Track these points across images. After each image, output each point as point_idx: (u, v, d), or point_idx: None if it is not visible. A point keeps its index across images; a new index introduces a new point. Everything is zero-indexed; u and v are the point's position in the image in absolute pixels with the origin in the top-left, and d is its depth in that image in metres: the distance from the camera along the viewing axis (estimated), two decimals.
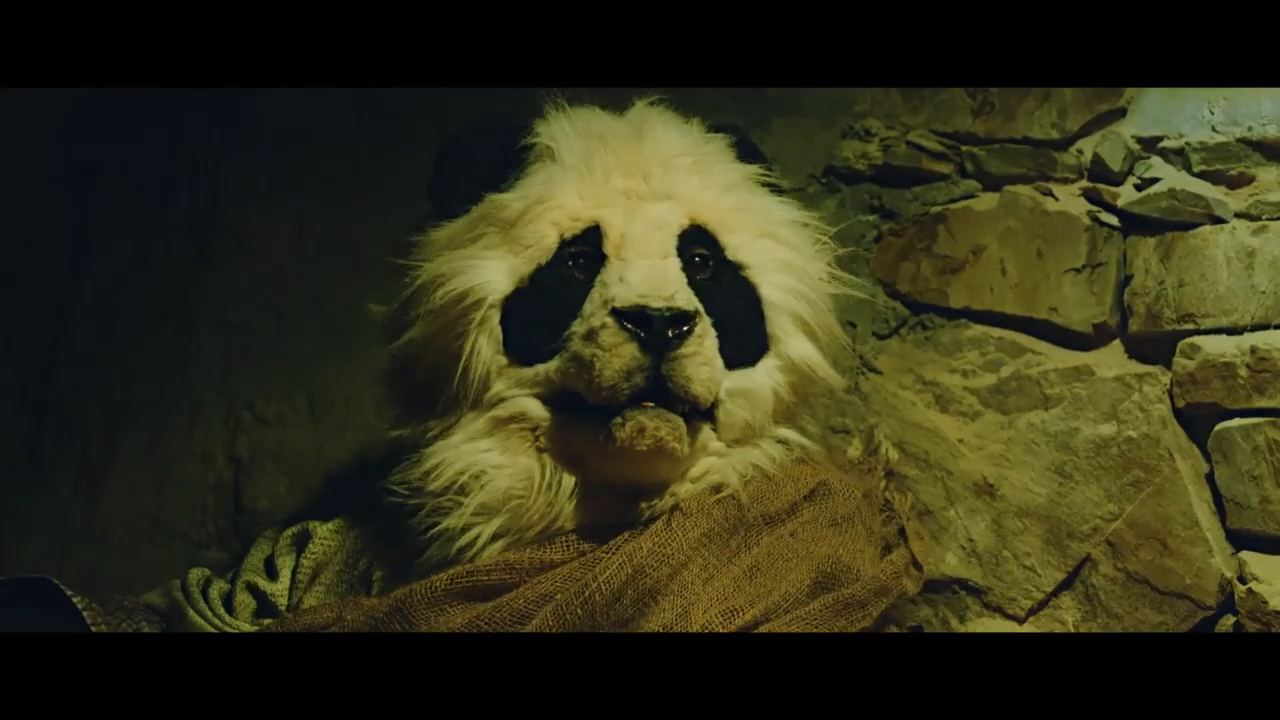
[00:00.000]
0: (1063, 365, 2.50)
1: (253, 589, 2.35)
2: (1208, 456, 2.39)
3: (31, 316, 3.17)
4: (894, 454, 2.45)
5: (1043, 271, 2.52)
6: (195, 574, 2.40)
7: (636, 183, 2.20)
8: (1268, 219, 2.38)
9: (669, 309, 2.06)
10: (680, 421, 2.08)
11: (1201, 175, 2.44)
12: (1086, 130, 2.53)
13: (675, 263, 2.15)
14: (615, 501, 2.13)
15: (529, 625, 2.02)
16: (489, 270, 2.19)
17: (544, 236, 2.19)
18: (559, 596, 2.04)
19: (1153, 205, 2.45)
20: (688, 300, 2.08)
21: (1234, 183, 2.42)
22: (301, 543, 2.38)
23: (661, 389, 2.07)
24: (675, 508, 2.12)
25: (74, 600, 2.23)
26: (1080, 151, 2.53)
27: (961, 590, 2.52)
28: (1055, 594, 2.47)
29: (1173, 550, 2.38)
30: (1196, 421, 2.40)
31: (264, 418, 2.99)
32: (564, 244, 2.18)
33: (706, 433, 2.16)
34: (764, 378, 2.20)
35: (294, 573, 2.35)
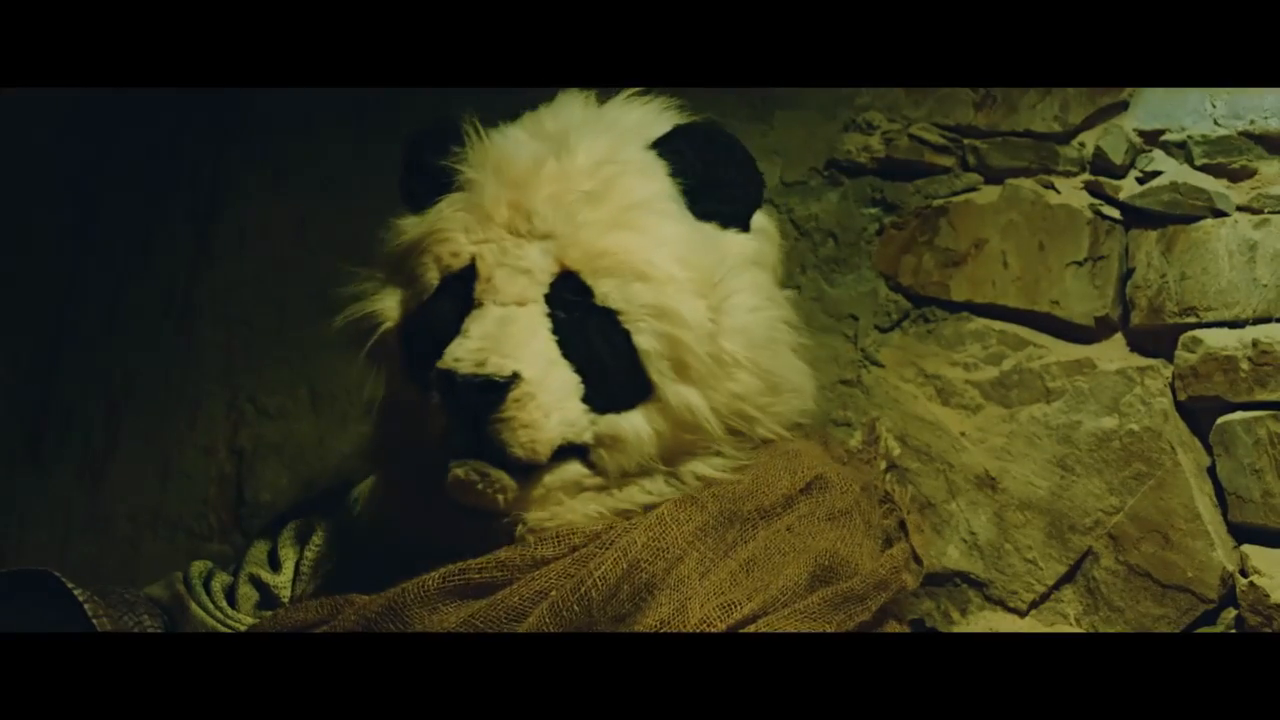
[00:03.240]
0: (1064, 358, 2.49)
1: (255, 581, 2.35)
2: (1209, 450, 2.39)
3: (34, 309, 3.18)
4: (895, 446, 2.45)
5: (1044, 265, 2.52)
6: (197, 566, 2.40)
7: (521, 219, 2.14)
8: (1270, 212, 2.37)
9: (477, 376, 2.04)
10: (500, 475, 2.08)
11: (1203, 169, 2.43)
12: (1088, 124, 2.53)
13: (533, 310, 2.11)
14: (480, 525, 2.13)
15: (525, 622, 2.02)
16: (386, 298, 2.22)
17: (428, 270, 2.18)
18: (554, 593, 2.03)
19: (1155, 198, 2.44)
20: (498, 366, 2.05)
21: (1236, 176, 2.42)
22: (305, 535, 2.38)
23: (483, 447, 2.07)
24: (668, 500, 2.13)
25: (75, 593, 2.23)
26: (1082, 145, 2.53)
27: (963, 583, 2.53)
28: (1057, 587, 2.47)
29: (1174, 543, 2.38)
30: (1198, 415, 2.40)
31: (266, 410, 3.00)
32: (445, 280, 2.17)
33: (574, 470, 2.13)
34: (640, 423, 2.13)
35: (297, 565, 2.35)
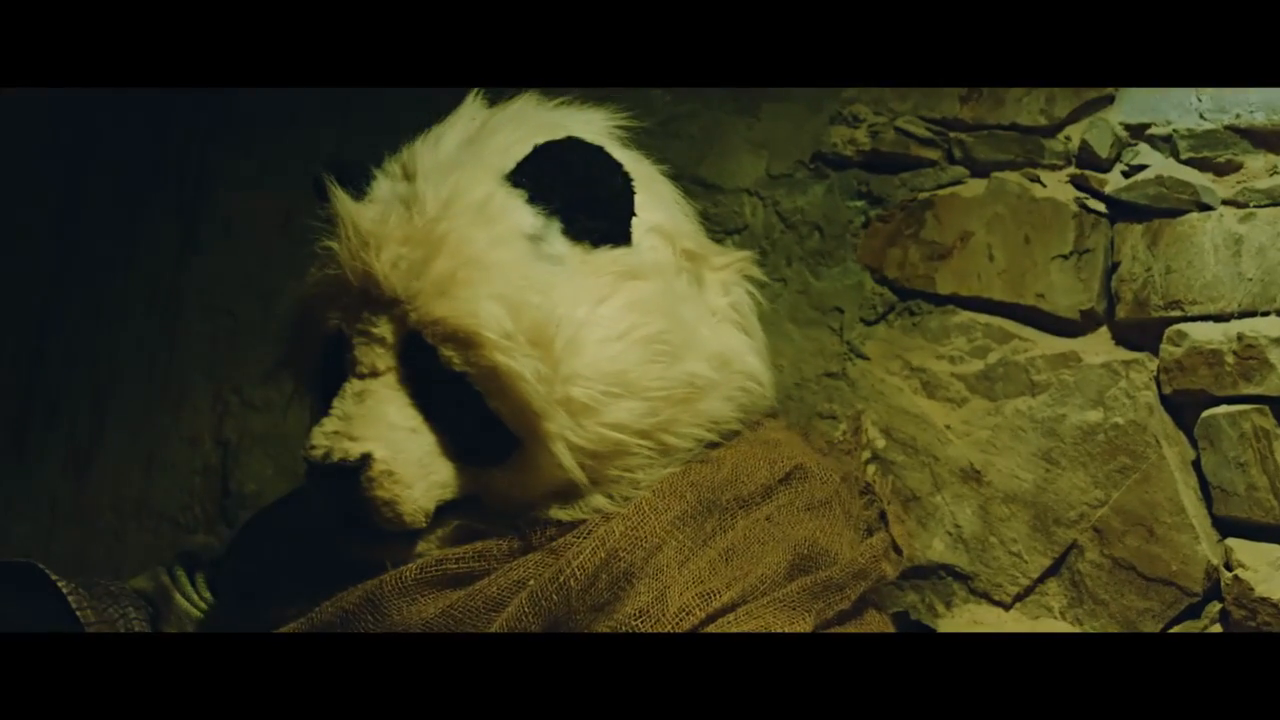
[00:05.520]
0: (1050, 352, 2.50)
1: None
2: (1194, 443, 2.39)
3: (19, 300, 3.18)
4: (878, 439, 2.45)
5: (1030, 258, 2.52)
6: (180, 563, 2.40)
7: (372, 286, 2.09)
8: (1255, 206, 2.37)
9: (328, 464, 2.03)
10: (380, 548, 2.08)
11: (1189, 162, 2.43)
12: (1074, 117, 2.53)
13: (389, 380, 2.08)
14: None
15: (504, 612, 2.02)
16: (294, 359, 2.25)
17: (310, 338, 2.17)
18: (532, 583, 2.02)
19: (1140, 192, 2.45)
20: (346, 451, 2.03)
21: (1221, 170, 2.42)
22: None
23: (357, 525, 2.07)
24: (647, 490, 2.11)
25: (59, 584, 2.23)
26: (1068, 138, 2.53)
27: (948, 576, 2.53)
28: (1041, 580, 2.48)
29: (1159, 537, 2.39)
30: (1183, 408, 2.40)
31: (251, 402, 3.00)
32: (324, 349, 2.15)
33: (458, 524, 2.12)
34: (515, 474, 2.10)
35: None
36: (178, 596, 2.31)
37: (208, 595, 2.32)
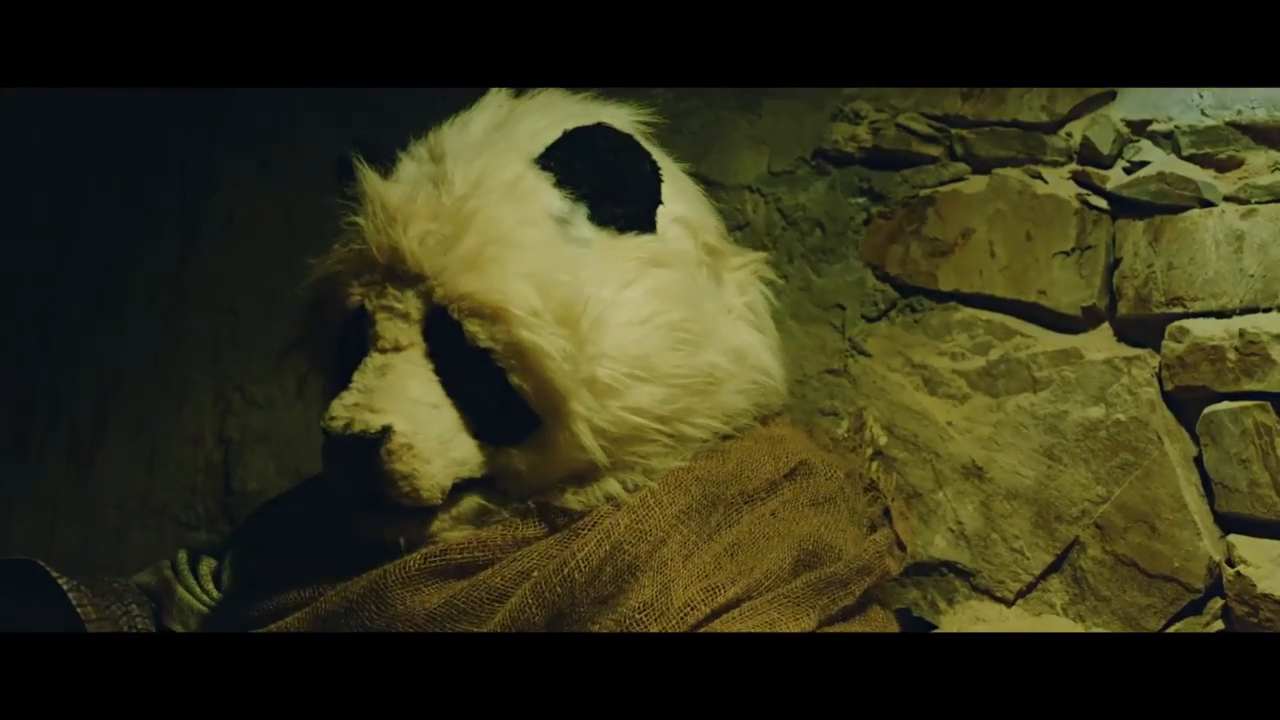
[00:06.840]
0: (1051, 348, 2.49)
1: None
2: (1196, 440, 2.39)
3: (22, 298, 3.18)
4: (881, 435, 2.45)
5: (1032, 254, 2.52)
6: (183, 553, 2.41)
7: (397, 261, 2.09)
8: (1257, 203, 2.37)
9: (348, 435, 2.03)
10: (394, 524, 2.09)
11: (1191, 159, 2.43)
12: (1076, 114, 2.53)
13: (412, 355, 2.08)
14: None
15: (508, 603, 2.02)
16: (309, 339, 2.24)
17: (329, 315, 2.17)
18: (536, 574, 2.03)
19: (1142, 189, 2.44)
20: (366, 423, 2.03)
21: (1223, 166, 2.42)
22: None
23: (373, 498, 2.07)
24: (652, 484, 2.12)
25: (60, 582, 2.23)
26: (1069, 135, 2.53)
27: (950, 573, 2.53)
28: (1043, 576, 2.48)
29: (1161, 533, 2.38)
30: (1185, 405, 2.40)
31: (253, 399, 3.00)
32: (345, 324, 2.15)
33: (474, 502, 2.12)
34: (534, 455, 2.10)
35: None
36: (180, 590, 2.32)
37: (211, 588, 2.32)
